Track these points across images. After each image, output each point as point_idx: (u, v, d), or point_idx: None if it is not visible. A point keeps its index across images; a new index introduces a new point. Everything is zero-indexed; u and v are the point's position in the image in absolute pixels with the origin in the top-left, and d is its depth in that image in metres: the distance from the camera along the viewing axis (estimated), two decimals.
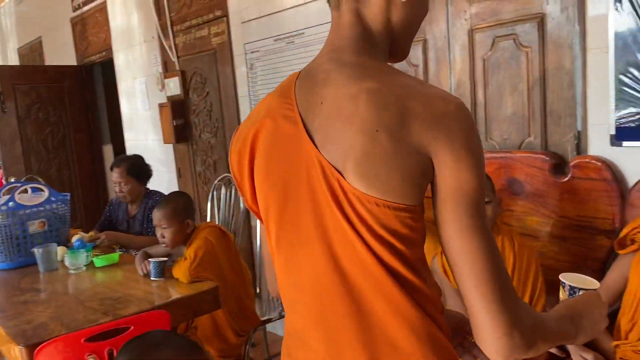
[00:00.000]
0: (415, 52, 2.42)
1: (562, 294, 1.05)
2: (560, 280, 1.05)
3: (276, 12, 3.06)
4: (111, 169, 3.07)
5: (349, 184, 0.79)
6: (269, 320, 2.66)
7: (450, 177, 0.77)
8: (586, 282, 1.04)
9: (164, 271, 2.25)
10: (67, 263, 2.47)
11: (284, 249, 0.91)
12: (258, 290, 2.97)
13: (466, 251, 0.77)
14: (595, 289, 1.01)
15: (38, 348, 1.61)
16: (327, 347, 0.86)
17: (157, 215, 2.30)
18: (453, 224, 0.77)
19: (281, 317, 2.71)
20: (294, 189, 0.86)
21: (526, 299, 1.75)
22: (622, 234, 1.69)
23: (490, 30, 2.14)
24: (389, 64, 0.93)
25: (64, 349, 1.62)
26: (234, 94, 3.51)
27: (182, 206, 2.38)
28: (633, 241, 1.65)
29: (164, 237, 2.31)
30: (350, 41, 0.87)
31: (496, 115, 2.17)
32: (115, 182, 3.00)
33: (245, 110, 3.45)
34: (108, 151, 5.69)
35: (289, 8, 2.98)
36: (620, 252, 1.69)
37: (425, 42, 2.38)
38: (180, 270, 2.21)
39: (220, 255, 2.37)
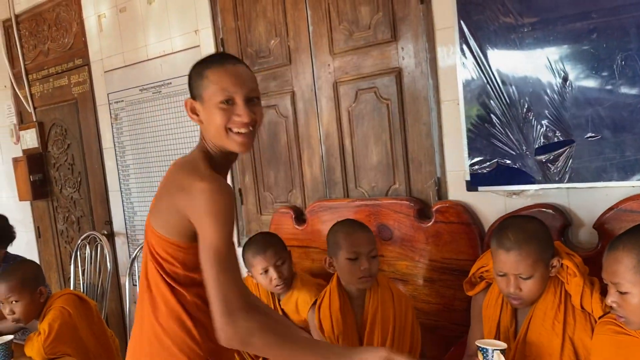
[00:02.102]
0: (285, 103, 2.44)
1: (481, 357, 1.37)
2: (477, 345, 1.39)
3: (141, 62, 2.96)
4: None
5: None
6: None
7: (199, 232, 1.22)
8: (496, 344, 1.41)
9: (11, 352, 1.98)
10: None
11: None
12: None
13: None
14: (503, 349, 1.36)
15: None
16: None
17: (2, 289, 2.04)
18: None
19: None
20: None
21: (406, 348, 1.76)
22: (470, 273, 1.74)
23: (353, 83, 2.22)
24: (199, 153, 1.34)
25: None
26: (98, 146, 3.31)
27: (31, 274, 2.14)
28: (482, 278, 1.70)
29: (14, 312, 2.04)
30: None
31: (363, 164, 2.24)
32: None
33: (111, 163, 3.25)
34: None
35: (155, 58, 2.89)
36: (469, 293, 1.73)
37: (293, 94, 2.41)
38: (34, 348, 1.97)
39: (80, 325, 2.14)
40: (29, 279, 2.10)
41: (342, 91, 2.26)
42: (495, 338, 1.57)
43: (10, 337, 2.03)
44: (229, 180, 2.67)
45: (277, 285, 2.01)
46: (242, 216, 2.70)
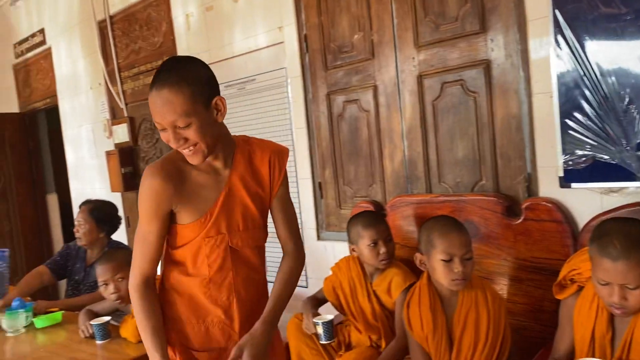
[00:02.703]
0: (367, 98, 2.44)
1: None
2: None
3: (227, 59, 3.05)
4: (79, 207, 2.92)
5: None
6: None
7: None
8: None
9: (108, 332, 2.12)
10: (3, 326, 2.30)
11: None
12: None
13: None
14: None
15: None
16: None
17: (111, 267, 2.17)
18: None
19: None
20: None
21: (496, 350, 1.70)
22: (559, 277, 1.64)
23: (439, 76, 2.18)
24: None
25: None
26: None
27: (130, 257, 2.28)
28: (573, 281, 1.61)
29: (118, 290, 2.17)
30: None
31: (448, 159, 2.20)
32: (76, 220, 2.84)
33: None
34: (53, 200, 5.45)
35: (240, 55, 2.97)
36: (559, 297, 1.62)
37: (375, 88, 2.41)
38: (129, 330, 2.08)
39: None
40: (130, 260, 2.23)
41: (426, 84, 2.23)
42: (589, 345, 1.48)
43: (108, 318, 2.17)
44: (307, 174, 2.72)
45: (382, 260, 2.04)
46: (322, 210, 2.73)
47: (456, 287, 1.73)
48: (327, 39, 2.56)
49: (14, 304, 2.47)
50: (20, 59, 5.11)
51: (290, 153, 2.78)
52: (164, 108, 1.32)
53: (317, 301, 2.20)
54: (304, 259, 1.62)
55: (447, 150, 2.19)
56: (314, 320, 2.02)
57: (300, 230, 2.78)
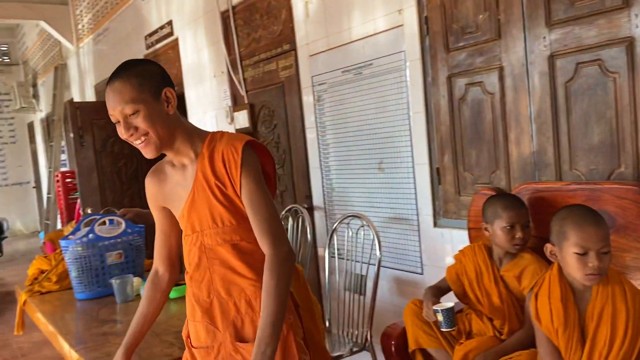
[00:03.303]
0: (491, 80, 2.35)
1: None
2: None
3: (344, 44, 3.07)
4: None
5: None
6: (340, 357, 2.59)
7: None
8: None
9: None
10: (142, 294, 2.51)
11: None
12: (327, 325, 2.92)
13: None
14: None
15: None
16: None
17: None
18: None
19: (352, 353, 2.64)
20: None
21: (635, 350, 1.59)
22: None
23: (572, 56, 2.04)
24: None
25: None
26: (302, 126, 3.54)
27: None
28: None
29: None
30: None
31: (581, 144, 2.06)
32: None
33: (312, 142, 3.46)
34: None
35: (358, 40, 2.98)
36: None
37: (501, 69, 2.31)
38: None
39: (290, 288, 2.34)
40: None
41: (558, 65, 2.09)
42: None
43: None
44: (424, 160, 2.68)
45: (515, 245, 1.98)
46: (439, 196, 2.68)
47: (589, 282, 1.62)
48: (450, 20, 2.49)
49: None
50: (151, 49, 5.51)
51: (407, 138, 2.78)
52: (115, 98, 1.41)
53: (438, 290, 2.17)
54: (284, 262, 1.43)
55: (581, 135, 2.05)
56: (434, 307, 2.00)
57: (416, 216, 2.77)
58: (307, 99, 3.44)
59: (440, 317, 1.96)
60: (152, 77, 1.44)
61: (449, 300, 2.10)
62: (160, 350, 1.89)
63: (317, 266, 3.56)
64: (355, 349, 2.65)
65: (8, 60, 11.85)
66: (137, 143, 1.45)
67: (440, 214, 2.68)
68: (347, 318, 2.82)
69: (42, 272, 3.01)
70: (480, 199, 2.28)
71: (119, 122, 1.43)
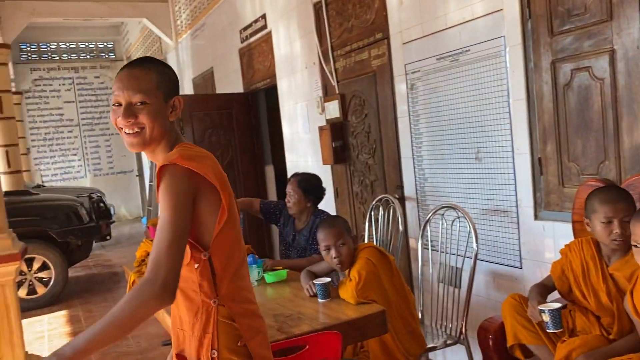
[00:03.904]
0: (600, 64, 2.21)
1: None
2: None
3: (440, 31, 3.00)
4: (289, 179, 3.23)
5: None
6: (433, 349, 2.57)
7: None
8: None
9: (329, 292, 2.29)
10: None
11: None
12: (420, 316, 2.90)
13: None
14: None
15: None
16: None
17: (333, 232, 2.35)
18: None
19: (446, 345, 2.61)
20: None
21: None
22: None
23: None
24: None
25: None
26: (393, 115, 3.51)
27: (347, 224, 2.46)
28: None
29: (340, 254, 2.34)
30: None
31: None
32: (287, 191, 3.15)
33: (404, 131, 3.42)
34: (270, 172, 6.03)
35: (454, 26, 2.91)
36: None
37: (612, 52, 2.16)
38: (347, 292, 2.22)
39: (382, 275, 2.35)
40: (348, 226, 2.43)
41: None
42: None
43: (329, 279, 2.34)
44: (525, 149, 2.52)
45: (614, 240, 1.88)
46: (541, 187, 2.56)
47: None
48: (554, 2, 2.36)
49: (249, 259, 2.81)
50: (245, 43, 5.68)
51: (506, 126, 2.67)
52: (130, 81, 1.40)
53: (544, 288, 2.09)
54: (149, 294, 1.24)
55: None
56: (540, 307, 1.92)
57: (515, 208, 2.67)
58: (400, 87, 3.41)
59: (546, 318, 1.89)
60: (170, 81, 1.46)
61: (554, 298, 2.02)
62: None
63: (409, 257, 3.53)
64: (449, 342, 2.61)
65: (113, 56, 12.70)
66: (127, 132, 1.41)
67: (542, 206, 2.57)
68: (441, 310, 2.78)
69: (149, 254, 3.21)
70: (586, 191, 2.16)
71: (119, 105, 1.40)
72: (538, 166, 2.56)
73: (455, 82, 2.95)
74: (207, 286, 1.39)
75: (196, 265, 1.38)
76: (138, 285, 1.26)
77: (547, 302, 1.97)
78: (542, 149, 2.53)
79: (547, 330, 1.93)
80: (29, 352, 3.85)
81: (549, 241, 2.52)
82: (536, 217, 2.59)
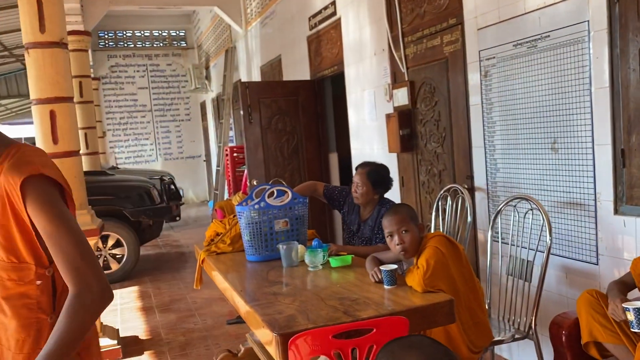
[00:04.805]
0: None
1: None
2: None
3: (518, 16, 2.89)
4: (356, 169, 3.22)
5: None
6: (501, 342, 2.50)
7: None
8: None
9: (395, 279, 2.27)
10: (306, 261, 2.65)
11: None
12: (487, 309, 2.83)
13: None
14: None
15: (292, 338, 1.73)
16: None
17: (397, 219, 2.33)
18: None
19: (514, 340, 2.54)
20: None
21: None
22: None
23: None
24: None
25: (313, 342, 1.72)
26: (465, 103, 3.42)
27: (413, 211, 2.42)
28: None
29: (404, 242, 2.32)
30: None
31: None
32: (354, 181, 3.14)
33: (476, 120, 3.33)
34: (333, 159, 6.05)
35: (533, 11, 2.79)
36: None
37: None
38: (415, 280, 2.20)
39: (451, 265, 2.30)
40: (414, 214, 2.38)
41: None
42: None
43: (395, 266, 2.32)
44: (607, 140, 2.40)
45: None
46: (623, 180, 2.43)
47: None
48: None
49: (314, 243, 2.84)
50: (313, 30, 5.70)
51: (586, 116, 2.55)
52: None
53: (624, 285, 1.99)
54: (89, 304, 1.22)
55: None
56: (624, 305, 1.83)
57: (593, 201, 2.54)
58: (473, 74, 3.32)
59: (631, 317, 1.79)
60: None
61: (634, 297, 1.92)
62: (327, 314, 1.98)
63: (476, 249, 3.45)
64: (517, 336, 2.54)
65: (185, 45, 13.09)
66: None
67: (623, 200, 2.44)
68: (509, 304, 2.71)
69: (218, 234, 3.31)
70: None
71: None
72: (621, 158, 2.43)
73: (533, 69, 2.84)
74: (45, 302, 1.34)
75: (38, 282, 1.33)
76: (72, 301, 1.21)
77: (630, 300, 1.87)
78: (625, 139, 2.40)
79: (632, 330, 1.83)
80: (103, 324, 4.08)
81: (630, 237, 2.39)
82: (616, 212, 2.46)
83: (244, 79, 8.58)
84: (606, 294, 1.99)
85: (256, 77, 7.88)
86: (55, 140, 3.57)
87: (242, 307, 2.26)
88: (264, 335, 1.93)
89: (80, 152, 3.88)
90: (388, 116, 4.20)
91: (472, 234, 3.40)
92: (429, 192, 3.97)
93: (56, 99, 3.57)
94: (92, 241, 3.71)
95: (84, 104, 7.31)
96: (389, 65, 4.25)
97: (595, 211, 2.56)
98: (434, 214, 3.45)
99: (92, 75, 9.70)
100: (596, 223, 2.56)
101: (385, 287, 2.27)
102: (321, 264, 2.69)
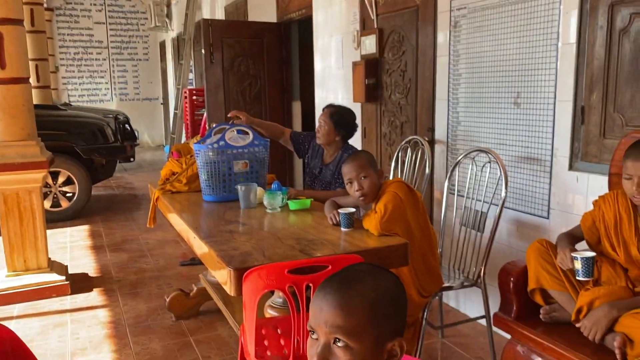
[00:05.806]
0: None
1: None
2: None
3: None
4: (322, 109, 3.18)
5: None
6: (450, 288, 2.57)
7: None
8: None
9: (353, 222, 2.27)
10: (265, 203, 2.62)
11: None
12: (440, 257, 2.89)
13: None
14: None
15: (247, 272, 1.72)
16: None
17: (356, 165, 2.31)
18: None
19: (462, 287, 2.61)
20: None
21: None
22: None
23: None
24: None
25: (268, 276, 1.71)
26: (432, 54, 3.39)
27: (372, 158, 2.41)
28: None
29: (362, 187, 2.31)
30: None
31: None
32: (318, 120, 3.11)
33: (442, 72, 3.31)
34: (297, 107, 5.96)
35: None
36: None
37: None
38: (372, 223, 2.21)
39: (409, 211, 2.32)
40: (373, 160, 2.37)
41: None
42: None
43: (353, 209, 2.32)
44: (568, 97, 2.41)
45: (635, 197, 1.87)
46: (580, 137, 2.48)
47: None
48: None
49: (273, 186, 2.81)
50: None
51: (551, 72, 2.56)
52: None
53: (573, 237, 2.05)
54: None
55: None
56: (573, 254, 1.89)
57: (550, 157, 2.59)
58: (443, 24, 3.27)
59: (578, 265, 1.86)
60: None
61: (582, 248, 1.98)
62: (283, 252, 1.97)
63: (432, 200, 3.50)
64: (466, 284, 2.61)
65: None
66: None
67: (579, 157, 2.49)
68: (460, 254, 2.77)
69: (174, 173, 3.23)
70: (628, 143, 2.08)
71: None
72: (580, 115, 2.47)
73: (502, 21, 2.82)
74: None
75: None
76: None
77: (578, 251, 1.94)
78: (586, 97, 2.43)
79: (577, 278, 1.90)
80: (52, 259, 3.97)
81: (581, 192, 2.46)
82: (571, 168, 2.52)
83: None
84: (555, 244, 2.05)
85: (220, 17, 7.60)
86: (2, 65, 3.36)
87: (197, 244, 2.23)
88: (219, 270, 1.91)
89: (31, 83, 3.68)
90: (355, 64, 4.13)
91: (429, 186, 3.43)
92: (390, 144, 3.97)
93: (4, 20, 3.33)
94: (41, 174, 3.56)
95: (36, 33, 6.92)
96: (359, 10, 4.15)
97: (551, 167, 2.61)
98: (393, 164, 3.46)
99: (45, 5, 9.15)
100: (550, 178, 2.62)
101: (343, 229, 2.27)
102: (280, 207, 2.67)
